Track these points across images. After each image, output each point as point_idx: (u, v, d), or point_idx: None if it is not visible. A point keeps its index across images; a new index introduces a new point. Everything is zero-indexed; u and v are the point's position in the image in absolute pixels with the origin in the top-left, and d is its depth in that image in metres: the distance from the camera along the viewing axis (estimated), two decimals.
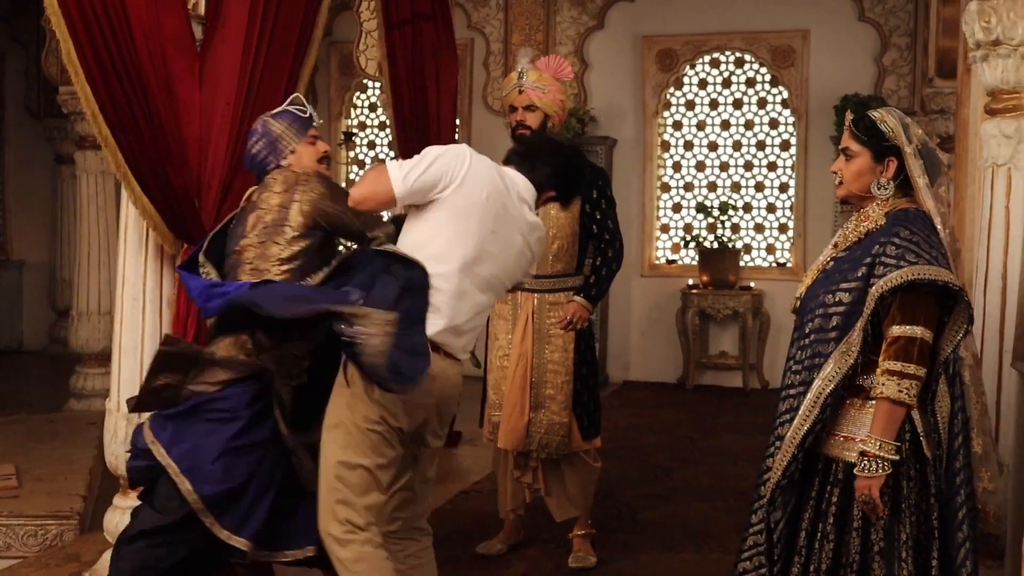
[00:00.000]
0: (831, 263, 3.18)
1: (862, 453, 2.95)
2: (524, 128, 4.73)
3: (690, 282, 9.72)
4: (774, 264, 9.88)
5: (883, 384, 2.94)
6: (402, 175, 3.26)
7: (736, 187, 9.92)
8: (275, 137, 3.67)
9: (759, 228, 9.91)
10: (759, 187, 9.89)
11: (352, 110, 10.84)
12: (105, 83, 3.87)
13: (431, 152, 3.34)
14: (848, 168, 3.16)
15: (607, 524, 5.52)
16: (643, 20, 9.88)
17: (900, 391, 2.91)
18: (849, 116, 3.20)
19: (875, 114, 3.14)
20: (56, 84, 7.93)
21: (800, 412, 3.08)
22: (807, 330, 3.15)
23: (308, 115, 3.73)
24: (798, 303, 3.27)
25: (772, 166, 9.85)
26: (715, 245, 9.65)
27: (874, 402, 3.00)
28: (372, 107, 10.77)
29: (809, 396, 3.06)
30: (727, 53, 9.87)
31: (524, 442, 4.75)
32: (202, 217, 4.13)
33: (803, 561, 3.11)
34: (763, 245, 9.92)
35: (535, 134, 4.62)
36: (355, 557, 3.24)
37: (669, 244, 10.12)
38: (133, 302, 4.29)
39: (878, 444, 2.93)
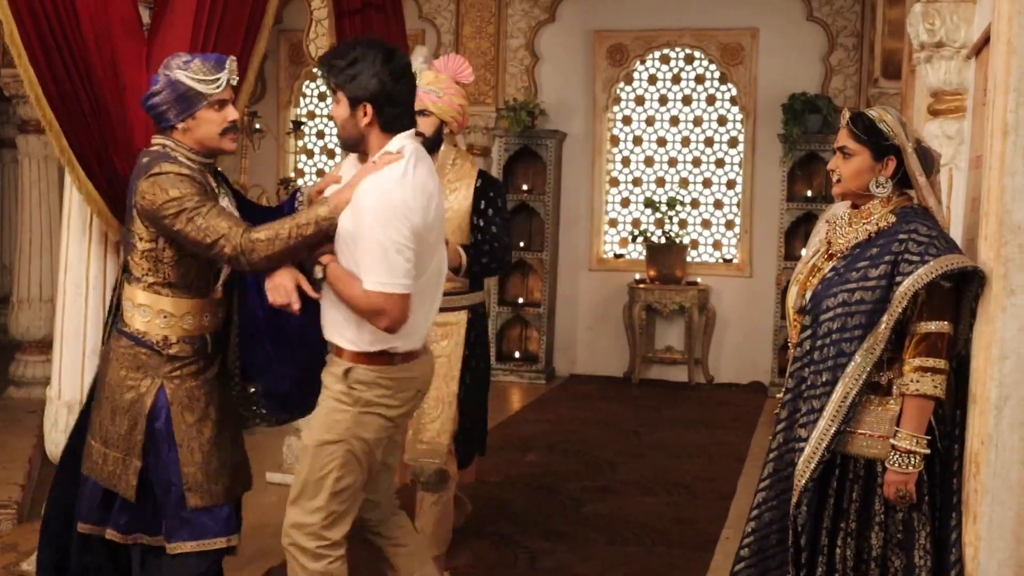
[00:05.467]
0: (842, 261, 3.16)
1: (894, 448, 2.99)
2: (417, 134, 4.14)
3: (637, 277, 9.77)
4: (721, 260, 9.96)
5: (917, 381, 2.98)
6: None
7: (684, 183, 9.98)
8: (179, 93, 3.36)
9: (706, 224, 9.99)
10: (707, 183, 9.96)
11: (301, 99, 10.76)
12: (49, 66, 3.81)
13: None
14: (846, 166, 3.17)
15: (552, 517, 5.55)
16: (594, 15, 9.91)
17: (935, 387, 2.97)
18: (847, 114, 3.21)
19: (872, 113, 3.16)
20: None
21: (827, 412, 3.08)
22: (826, 329, 3.12)
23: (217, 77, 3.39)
24: (804, 302, 3.24)
25: (720, 163, 9.92)
26: (662, 240, 9.71)
27: (893, 398, 3.04)
28: (322, 96, 10.70)
29: (836, 396, 3.07)
30: (677, 50, 9.93)
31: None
32: None
33: (827, 561, 3.13)
34: (710, 241, 10.00)
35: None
36: (323, 572, 3.25)
37: (617, 238, 10.16)
38: (76, 289, 4.23)
39: (914, 440, 2.98)
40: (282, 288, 3.22)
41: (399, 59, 3.21)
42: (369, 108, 3.16)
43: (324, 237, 3.20)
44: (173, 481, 3.41)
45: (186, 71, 3.34)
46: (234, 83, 3.42)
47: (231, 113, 3.40)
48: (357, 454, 3.24)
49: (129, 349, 3.43)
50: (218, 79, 3.35)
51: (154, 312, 3.40)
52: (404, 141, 3.22)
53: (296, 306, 3.21)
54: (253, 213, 3.66)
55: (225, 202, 3.47)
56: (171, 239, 3.32)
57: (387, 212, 3.06)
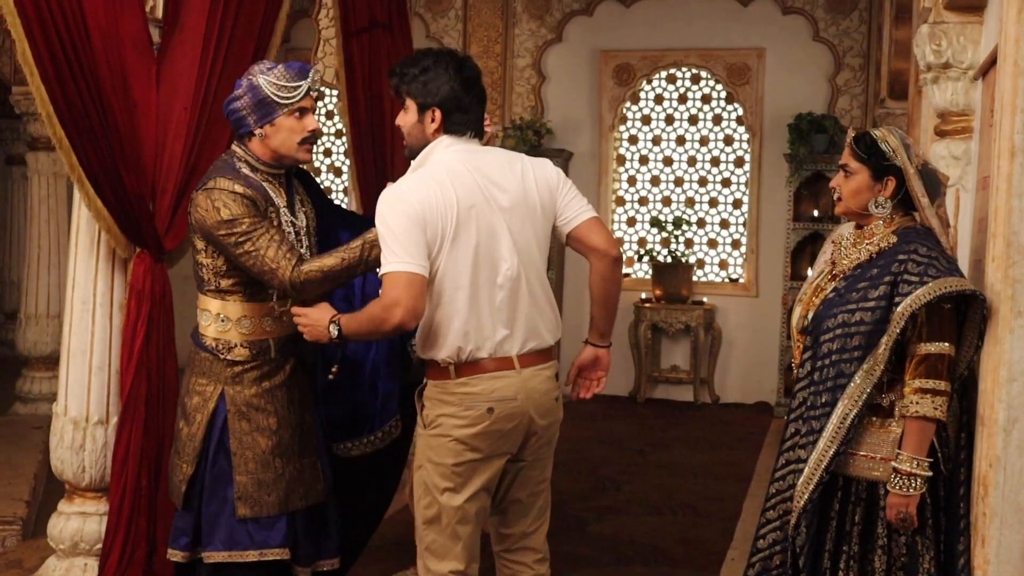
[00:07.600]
0: (843, 282, 3.17)
1: (896, 471, 2.98)
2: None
3: (643, 296, 9.77)
4: (727, 280, 9.95)
5: (916, 403, 2.96)
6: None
7: (690, 202, 9.99)
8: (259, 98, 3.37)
9: (712, 243, 9.99)
10: (713, 203, 9.97)
11: None
12: (60, 84, 3.82)
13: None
14: (846, 185, 3.20)
15: (556, 536, 5.52)
16: (601, 34, 9.94)
17: (935, 408, 2.95)
18: (851, 133, 3.24)
19: (876, 133, 3.17)
20: (9, 84, 7.83)
21: (826, 433, 3.07)
22: (826, 350, 3.12)
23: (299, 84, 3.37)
24: (806, 322, 3.24)
25: (726, 182, 9.93)
26: (668, 259, 9.71)
27: (894, 420, 3.04)
28: (329, 115, 10.73)
29: (835, 417, 3.06)
30: (683, 69, 9.95)
31: None
32: (156, 221, 4.10)
33: None
34: (716, 260, 10.00)
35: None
36: None
37: (623, 258, 10.15)
38: (83, 305, 4.24)
39: (914, 462, 2.96)
40: (320, 329, 3.21)
41: (470, 69, 3.23)
42: (438, 113, 3.17)
43: (373, 257, 3.25)
44: (227, 490, 3.40)
45: (267, 76, 3.34)
46: (315, 94, 3.41)
47: (311, 123, 3.40)
48: (434, 480, 3.15)
49: (197, 354, 3.49)
50: (299, 87, 3.35)
51: (213, 316, 3.45)
52: (437, 147, 3.19)
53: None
54: (339, 219, 3.71)
55: (286, 218, 3.45)
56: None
57: (384, 205, 3.08)
